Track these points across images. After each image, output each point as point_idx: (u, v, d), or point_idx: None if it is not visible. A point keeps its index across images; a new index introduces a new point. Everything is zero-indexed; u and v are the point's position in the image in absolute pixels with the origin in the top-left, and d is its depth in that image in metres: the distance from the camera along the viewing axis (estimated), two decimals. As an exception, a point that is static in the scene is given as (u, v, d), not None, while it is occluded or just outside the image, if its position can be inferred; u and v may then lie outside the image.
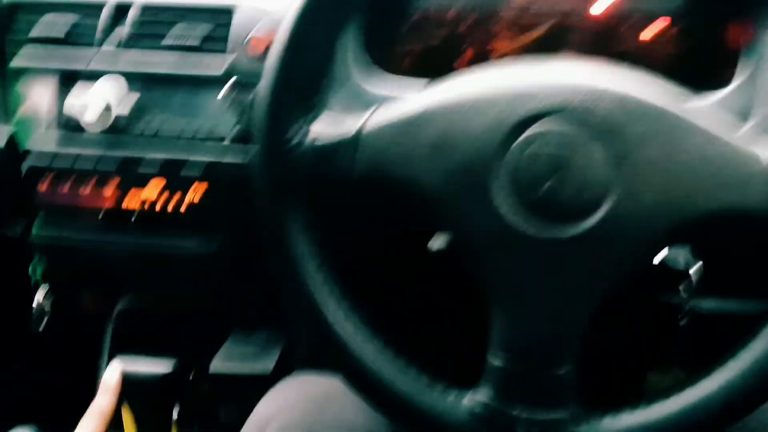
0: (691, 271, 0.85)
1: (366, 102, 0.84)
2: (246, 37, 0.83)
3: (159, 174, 0.86)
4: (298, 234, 0.62)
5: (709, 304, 0.93)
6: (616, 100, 0.55)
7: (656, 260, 0.85)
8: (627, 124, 0.54)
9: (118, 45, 0.86)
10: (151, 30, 0.86)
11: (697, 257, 0.83)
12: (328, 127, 0.62)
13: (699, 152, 0.55)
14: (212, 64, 0.84)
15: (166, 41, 0.85)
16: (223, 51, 0.84)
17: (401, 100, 0.61)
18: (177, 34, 0.85)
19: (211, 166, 0.85)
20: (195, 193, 0.86)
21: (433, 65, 0.99)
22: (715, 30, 0.92)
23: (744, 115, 0.81)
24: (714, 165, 0.55)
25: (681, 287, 0.87)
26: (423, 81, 0.84)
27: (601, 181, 0.54)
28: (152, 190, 0.87)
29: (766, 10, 0.78)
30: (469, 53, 0.98)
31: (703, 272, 0.84)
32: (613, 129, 0.54)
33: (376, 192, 0.63)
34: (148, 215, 0.88)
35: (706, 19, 0.93)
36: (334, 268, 0.63)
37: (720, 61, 0.88)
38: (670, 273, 0.85)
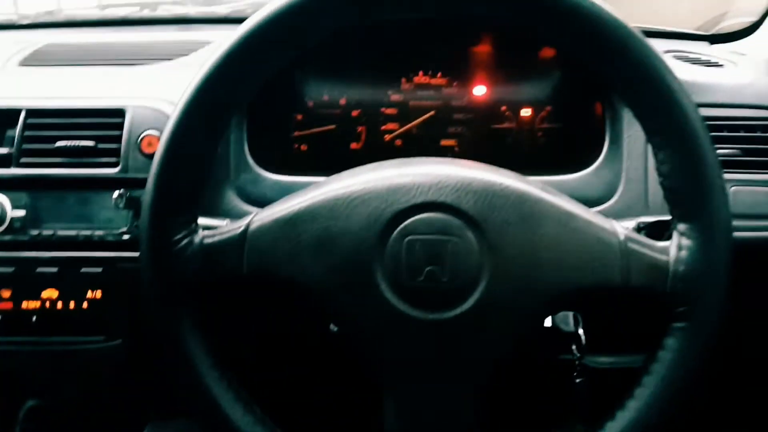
0: (580, 332, 0.90)
1: (252, 200, 0.87)
2: (139, 136, 0.84)
3: (58, 273, 0.86)
4: (190, 335, 0.62)
5: (600, 360, 0.98)
6: (481, 190, 0.59)
7: (547, 323, 0.90)
8: (492, 212, 0.59)
9: (11, 149, 0.86)
10: (44, 133, 0.86)
11: (581, 320, 0.88)
12: (215, 226, 0.64)
13: (559, 232, 0.59)
14: (107, 164, 0.85)
15: (60, 143, 0.85)
16: (117, 151, 0.85)
17: (285, 198, 0.64)
18: (70, 136, 0.86)
19: (109, 263, 0.86)
20: (95, 290, 0.86)
21: (329, 148, 1.03)
22: (581, 113, 1.00)
23: (609, 190, 0.88)
24: (574, 244, 0.60)
25: (573, 347, 0.92)
26: (307, 177, 0.87)
27: (474, 266, 0.58)
28: (52, 290, 0.86)
29: (618, 96, 0.85)
30: (363, 136, 1.03)
31: (591, 332, 0.89)
32: (480, 217, 0.59)
33: (268, 288, 0.65)
34: (49, 315, 0.87)
35: (572, 104, 1.00)
36: (230, 364, 0.64)
37: (589, 140, 0.95)
38: (562, 335, 0.90)
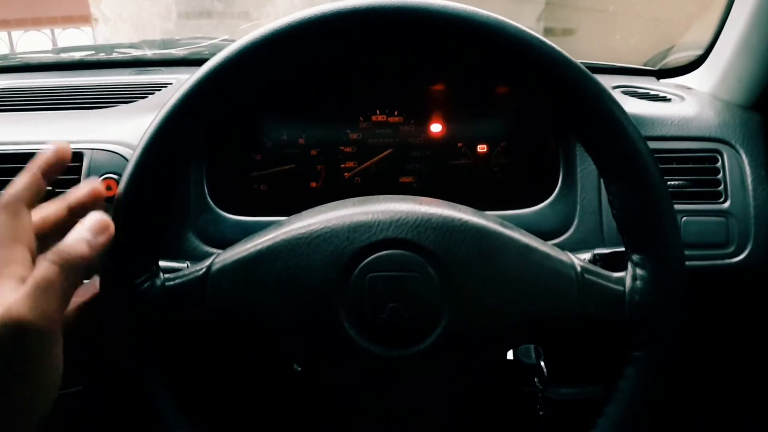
0: (541, 364, 0.90)
1: (213, 242, 0.87)
2: (97, 179, 0.84)
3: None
4: (153, 378, 0.61)
5: (563, 392, 0.99)
6: (440, 225, 0.60)
7: (509, 356, 0.91)
8: (452, 247, 0.59)
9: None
10: (0, 178, 0.85)
11: (542, 352, 0.89)
12: (177, 268, 0.64)
13: (518, 266, 0.60)
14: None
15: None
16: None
17: (247, 239, 0.64)
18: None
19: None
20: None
21: (289, 188, 1.04)
22: (536, 148, 1.02)
23: (565, 223, 0.90)
24: (533, 277, 0.61)
25: (535, 380, 0.92)
26: (267, 217, 0.88)
27: (435, 301, 0.59)
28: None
29: (570, 131, 0.87)
30: (322, 174, 1.04)
31: (553, 364, 0.90)
32: (440, 253, 0.59)
33: (231, 329, 0.65)
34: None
35: (526, 139, 1.03)
36: (195, 407, 0.63)
37: (544, 175, 0.97)
38: (524, 367, 0.91)
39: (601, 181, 0.88)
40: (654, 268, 0.61)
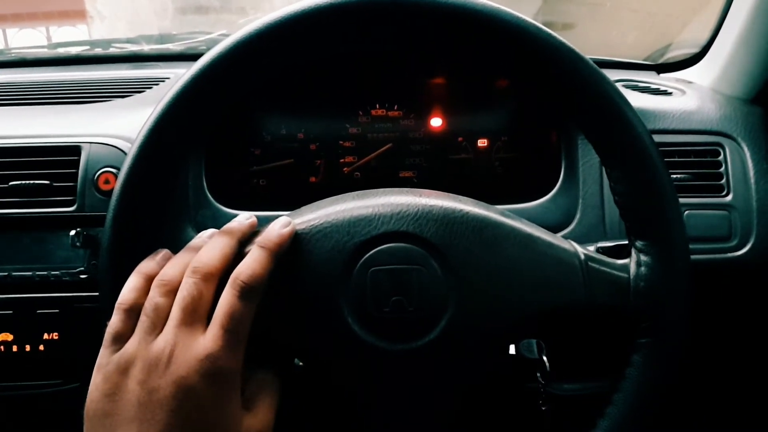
0: (544, 359, 0.90)
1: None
2: (95, 174, 0.84)
3: (13, 316, 0.84)
4: None
5: (566, 387, 0.98)
6: (442, 217, 0.60)
7: (512, 351, 0.90)
8: (454, 239, 0.59)
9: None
10: (-1, 171, 0.85)
11: (545, 347, 0.88)
12: None
13: (522, 255, 0.60)
14: (62, 203, 0.84)
15: (14, 183, 0.84)
16: (73, 189, 0.84)
17: None
18: (25, 175, 0.84)
19: (66, 303, 0.84)
20: (52, 332, 0.84)
21: (288, 183, 1.03)
22: (537, 142, 1.02)
23: (567, 217, 0.89)
24: (537, 266, 0.60)
25: (538, 375, 0.92)
26: (266, 212, 0.87)
27: (439, 293, 0.58)
28: (6, 334, 0.84)
29: (573, 121, 0.87)
30: (321, 169, 1.03)
31: (555, 360, 0.90)
32: (442, 245, 0.59)
33: None
34: (5, 358, 0.85)
35: (527, 133, 1.02)
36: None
37: (546, 169, 0.97)
38: (527, 362, 0.90)
39: (604, 175, 0.88)
40: (658, 253, 0.60)
